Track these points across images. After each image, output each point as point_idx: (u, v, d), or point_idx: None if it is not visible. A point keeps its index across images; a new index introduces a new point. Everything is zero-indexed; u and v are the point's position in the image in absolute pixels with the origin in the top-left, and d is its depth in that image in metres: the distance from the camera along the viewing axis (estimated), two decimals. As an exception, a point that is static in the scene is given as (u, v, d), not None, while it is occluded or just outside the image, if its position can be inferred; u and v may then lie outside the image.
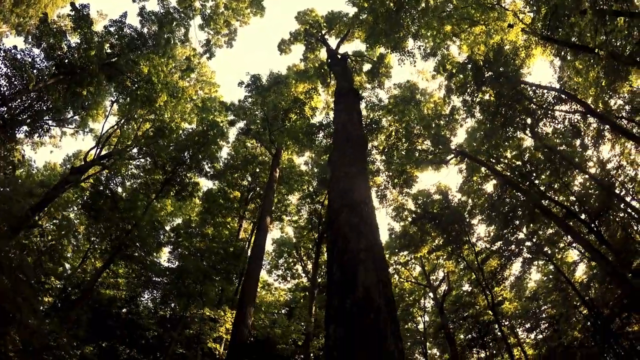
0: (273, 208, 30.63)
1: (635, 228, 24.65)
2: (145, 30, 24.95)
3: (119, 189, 29.27)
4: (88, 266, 29.29)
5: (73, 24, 21.94)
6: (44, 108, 22.12)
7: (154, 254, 29.90)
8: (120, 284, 29.74)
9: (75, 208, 31.34)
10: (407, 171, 31.13)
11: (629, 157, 24.45)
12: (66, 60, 21.13)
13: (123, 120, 29.39)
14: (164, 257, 32.48)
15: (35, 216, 20.82)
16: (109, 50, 23.03)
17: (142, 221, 25.23)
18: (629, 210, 24.10)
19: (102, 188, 25.73)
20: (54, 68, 21.19)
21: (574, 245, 28.16)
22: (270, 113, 28.02)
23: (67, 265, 29.70)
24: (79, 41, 22.02)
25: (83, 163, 26.26)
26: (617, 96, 22.52)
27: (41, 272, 22.69)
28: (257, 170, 33.65)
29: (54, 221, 27.82)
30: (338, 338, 4.75)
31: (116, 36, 23.29)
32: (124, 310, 28.57)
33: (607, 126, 23.03)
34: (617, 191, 23.46)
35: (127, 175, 29.18)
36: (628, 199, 24.15)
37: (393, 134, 30.11)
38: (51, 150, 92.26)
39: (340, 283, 5.51)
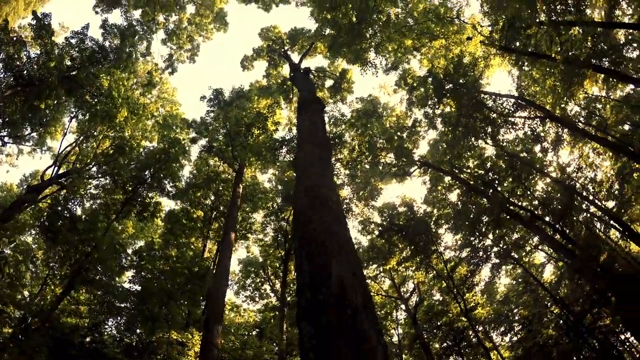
0: (238, 226, 30.17)
1: (598, 226, 25.38)
2: (107, 43, 24.37)
3: (78, 210, 28.21)
4: (47, 293, 27.95)
5: (34, 33, 21.31)
6: (0, 121, 21.25)
7: (116, 278, 28.75)
8: (82, 311, 28.41)
9: (33, 231, 29.99)
10: (371, 184, 31.33)
11: (587, 160, 25.28)
12: (25, 72, 20.44)
13: (82, 138, 28.59)
14: (126, 279, 31.23)
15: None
16: (69, 63, 22.40)
17: (103, 243, 24.28)
18: (592, 209, 24.89)
19: (60, 208, 24.77)
20: (12, 79, 20.49)
21: (539, 248, 28.76)
22: (232, 128, 27.84)
23: (26, 293, 28.28)
24: (39, 52, 21.42)
25: (40, 182, 25.26)
26: (574, 102, 23.28)
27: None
28: (220, 188, 33.14)
29: (10, 243, 26.52)
30: (313, 337, 4.44)
31: (77, 49, 22.66)
32: (87, 339, 27.14)
33: (566, 129, 23.76)
34: (578, 192, 24.09)
35: (86, 195, 28.12)
36: (590, 198, 24.85)
37: (356, 147, 30.35)
38: (7, 170, 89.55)
39: (313, 279, 5.19)
